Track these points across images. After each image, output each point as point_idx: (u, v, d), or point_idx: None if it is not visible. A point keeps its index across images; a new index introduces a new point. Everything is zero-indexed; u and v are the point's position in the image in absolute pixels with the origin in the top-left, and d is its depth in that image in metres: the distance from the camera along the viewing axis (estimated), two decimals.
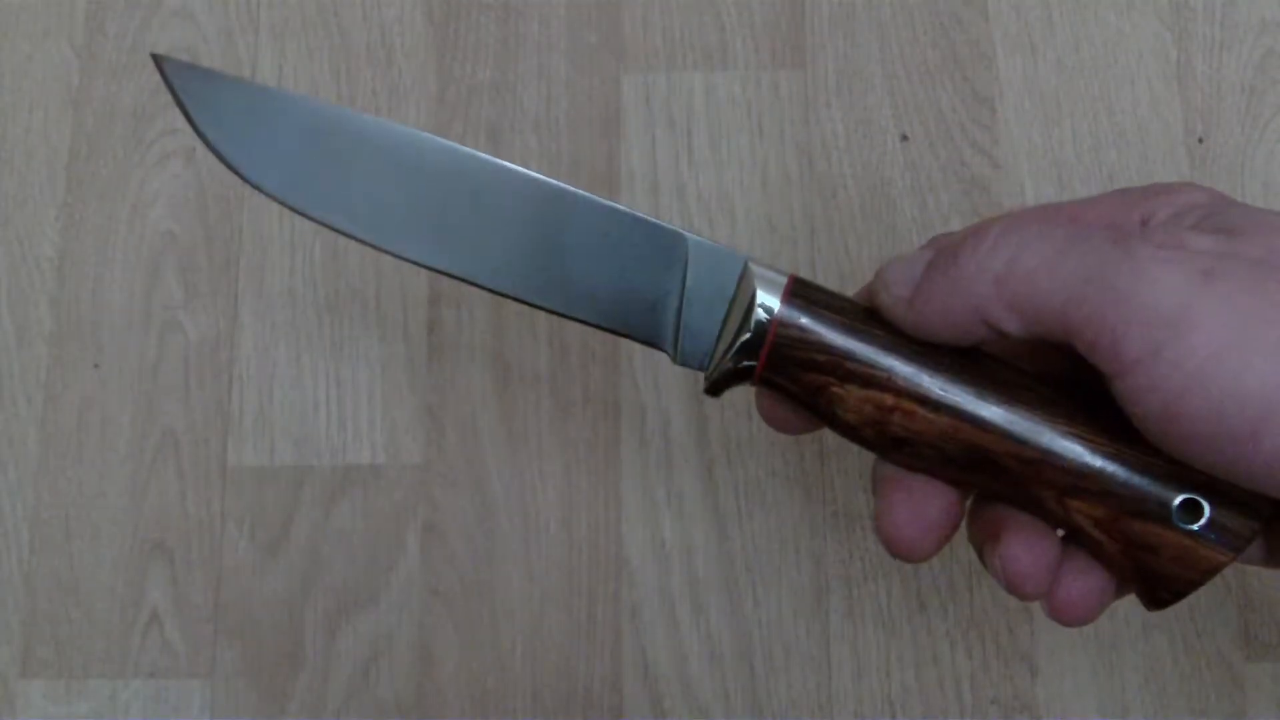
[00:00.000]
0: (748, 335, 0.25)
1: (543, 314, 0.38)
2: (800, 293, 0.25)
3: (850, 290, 0.28)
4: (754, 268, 0.25)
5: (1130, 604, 0.36)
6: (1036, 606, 0.36)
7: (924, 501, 0.26)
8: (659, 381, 0.38)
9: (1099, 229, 0.23)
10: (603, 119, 0.40)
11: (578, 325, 0.26)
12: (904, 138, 0.39)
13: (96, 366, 0.39)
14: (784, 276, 0.25)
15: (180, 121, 0.40)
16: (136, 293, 0.39)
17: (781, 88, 0.40)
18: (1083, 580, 0.25)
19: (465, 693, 0.36)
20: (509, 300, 0.26)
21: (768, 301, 0.25)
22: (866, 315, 0.25)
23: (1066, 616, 0.25)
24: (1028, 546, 0.25)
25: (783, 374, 0.25)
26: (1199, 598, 0.35)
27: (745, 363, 0.25)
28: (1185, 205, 0.24)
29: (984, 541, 0.26)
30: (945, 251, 0.24)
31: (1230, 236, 0.22)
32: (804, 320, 0.25)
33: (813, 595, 0.36)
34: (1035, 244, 0.22)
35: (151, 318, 0.39)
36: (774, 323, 0.25)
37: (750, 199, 0.39)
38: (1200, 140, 0.38)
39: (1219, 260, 0.21)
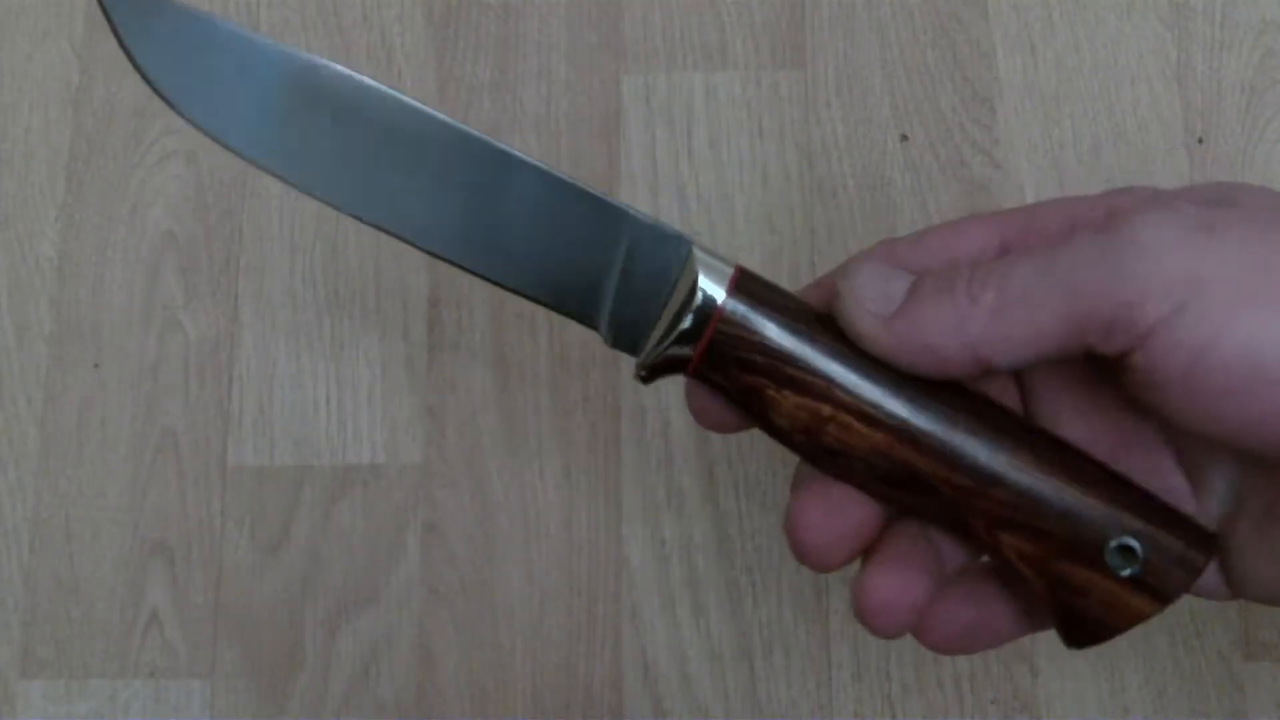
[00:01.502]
0: (686, 326, 0.24)
1: (543, 314, 0.38)
2: (745, 287, 0.24)
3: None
4: (699, 254, 0.24)
5: None
6: None
7: (842, 510, 0.24)
8: (659, 382, 0.38)
9: (1073, 234, 0.22)
10: (603, 119, 0.40)
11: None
12: (904, 138, 0.39)
13: (96, 366, 0.39)
14: (730, 266, 0.24)
15: (180, 122, 0.40)
16: (136, 293, 0.39)
17: (781, 88, 0.40)
18: (972, 610, 0.25)
19: (465, 693, 0.36)
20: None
21: (711, 292, 0.24)
22: (812, 318, 0.24)
23: (942, 645, 0.25)
24: (897, 576, 0.24)
25: (718, 370, 0.24)
26: (1199, 598, 0.35)
27: (681, 353, 0.24)
28: (1153, 192, 0.24)
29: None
30: (936, 282, 0.23)
31: (1219, 202, 0.22)
32: (746, 318, 0.24)
33: (813, 595, 0.36)
34: (1022, 267, 0.22)
35: (151, 318, 0.39)
36: (714, 317, 0.24)
37: (750, 199, 0.39)
38: (1200, 140, 0.38)
39: (1217, 214, 0.21)
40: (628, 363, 0.38)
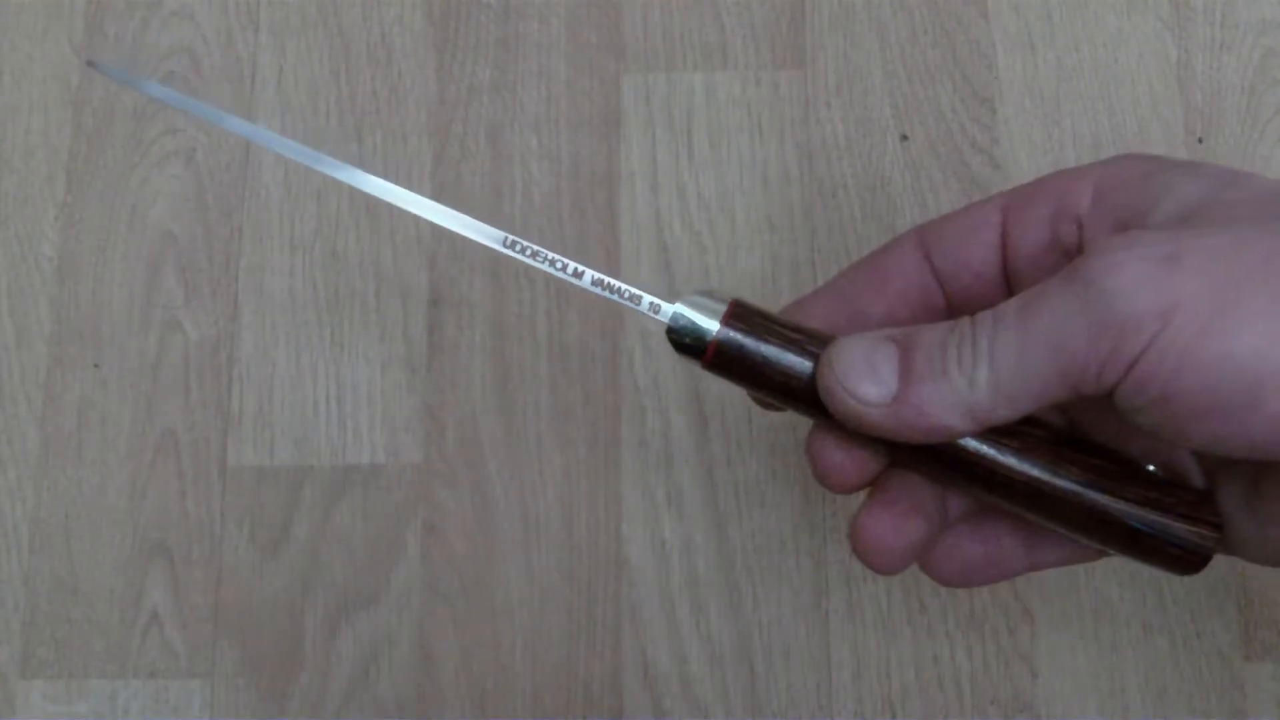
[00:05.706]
0: (685, 343, 0.25)
1: (543, 314, 0.38)
2: (739, 321, 0.25)
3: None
4: (690, 301, 0.25)
5: (1130, 604, 0.36)
6: (1037, 608, 0.36)
7: (858, 445, 0.26)
8: (659, 382, 0.38)
9: (1045, 285, 0.23)
10: (603, 119, 0.40)
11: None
12: (904, 138, 0.39)
13: (96, 366, 0.39)
14: (723, 304, 0.25)
15: (180, 121, 0.41)
16: (136, 293, 0.39)
17: (781, 88, 0.40)
18: (979, 546, 0.26)
19: (465, 693, 0.36)
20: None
21: (704, 330, 0.25)
22: (811, 358, 0.25)
23: (948, 580, 0.26)
24: (894, 521, 0.25)
25: (729, 375, 0.26)
26: (1199, 598, 0.35)
27: (694, 354, 0.26)
28: (1143, 168, 0.24)
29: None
30: (927, 361, 0.23)
31: (1198, 211, 0.23)
32: (740, 349, 0.25)
33: (813, 595, 0.36)
34: (1006, 335, 0.22)
35: (151, 318, 0.39)
36: (710, 348, 0.25)
37: (750, 199, 0.39)
38: (1200, 140, 0.38)
39: (1184, 239, 0.21)
40: (628, 362, 0.38)
